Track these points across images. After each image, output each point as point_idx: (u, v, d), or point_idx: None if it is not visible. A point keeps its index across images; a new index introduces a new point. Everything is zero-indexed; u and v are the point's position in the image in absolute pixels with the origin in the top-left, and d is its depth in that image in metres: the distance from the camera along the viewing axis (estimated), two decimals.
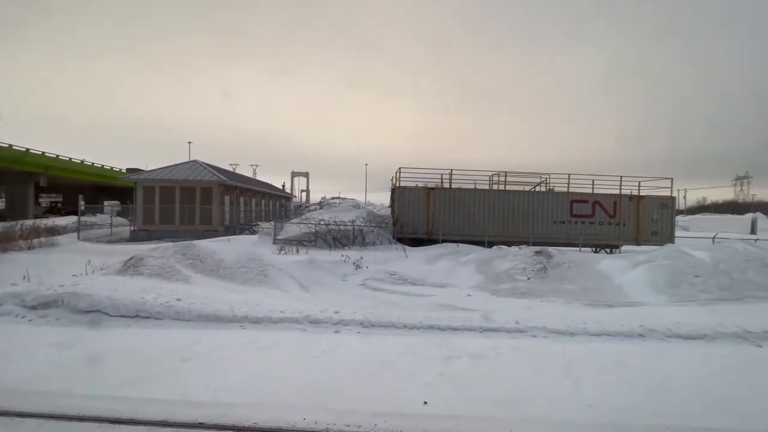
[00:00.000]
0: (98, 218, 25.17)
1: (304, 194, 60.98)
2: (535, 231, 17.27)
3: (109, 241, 18.05)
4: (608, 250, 17.82)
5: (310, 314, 6.02)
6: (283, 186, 53.49)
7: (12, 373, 4.20)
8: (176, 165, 22.69)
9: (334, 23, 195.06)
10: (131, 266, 8.56)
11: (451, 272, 11.70)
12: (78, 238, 16.80)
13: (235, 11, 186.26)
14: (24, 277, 8.07)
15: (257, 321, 5.87)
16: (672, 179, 18.25)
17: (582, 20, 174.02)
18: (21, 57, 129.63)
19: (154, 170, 22.32)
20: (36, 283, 6.95)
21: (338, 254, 12.98)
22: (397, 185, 17.98)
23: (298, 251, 13.98)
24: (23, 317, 5.86)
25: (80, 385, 3.89)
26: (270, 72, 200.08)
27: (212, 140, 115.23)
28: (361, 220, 17.10)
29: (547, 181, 19.21)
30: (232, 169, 40.91)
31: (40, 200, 37.39)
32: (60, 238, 15.48)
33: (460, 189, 18.14)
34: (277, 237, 16.44)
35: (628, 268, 10.57)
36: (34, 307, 6.01)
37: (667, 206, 18.25)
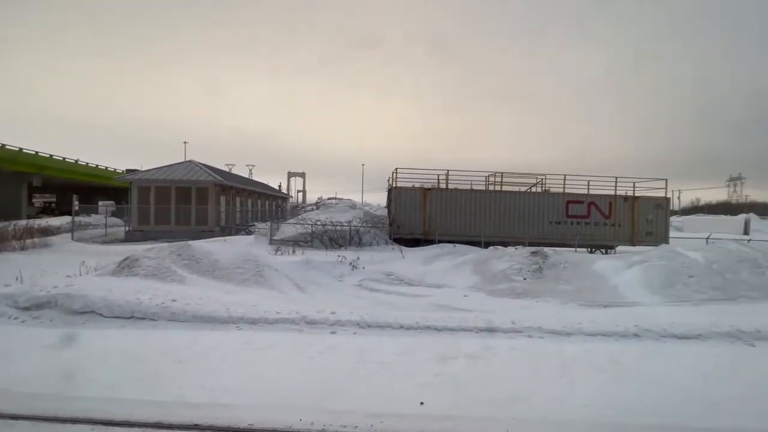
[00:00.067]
0: (93, 218, 24.93)
1: (300, 195, 60.84)
2: (531, 231, 17.35)
3: (104, 242, 17.92)
4: (603, 250, 17.91)
5: (306, 315, 5.99)
6: (280, 186, 53.38)
7: (4, 374, 4.15)
8: (172, 165, 22.59)
9: (333, 23, 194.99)
10: (126, 267, 8.49)
11: (447, 273, 11.72)
12: (72, 239, 16.70)
13: (235, 11, 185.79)
14: (17, 278, 7.98)
15: (253, 322, 5.84)
16: (666, 180, 18.44)
17: (582, 20, 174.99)
18: (21, 57, 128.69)
19: (149, 170, 22.22)
20: (29, 284, 6.86)
21: (335, 255, 12.98)
22: (394, 186, 18.00)
23: (294, 252, 13.95)
24: (16, 318, 5.79)
25: (74, 387, 3.86)
26: (270, 72, 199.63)
27: (211, 140, 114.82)
28: (357, 220, 17.12)
29: (543, 181, 19.30)
30: (228, 170, 40.78)
31: (34, 200, 36.96)
32: (54, 239, 15.39)
33: (456, 189, 18.19)
34: (274, 237, 16.41)
35: (623, 269, 10.63)
36: (27, 309, 5.94)
37: (661, 207, 18.40)
